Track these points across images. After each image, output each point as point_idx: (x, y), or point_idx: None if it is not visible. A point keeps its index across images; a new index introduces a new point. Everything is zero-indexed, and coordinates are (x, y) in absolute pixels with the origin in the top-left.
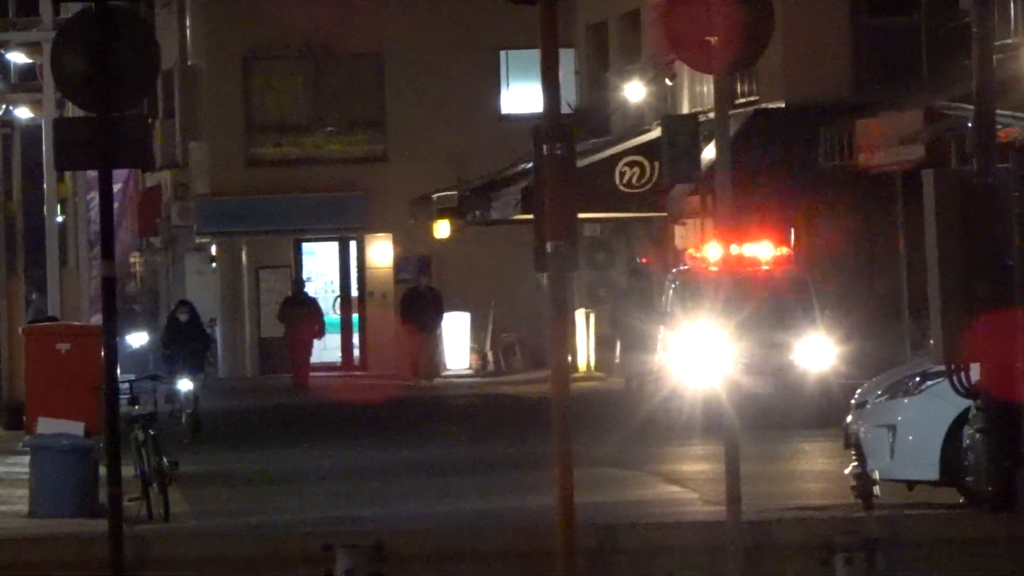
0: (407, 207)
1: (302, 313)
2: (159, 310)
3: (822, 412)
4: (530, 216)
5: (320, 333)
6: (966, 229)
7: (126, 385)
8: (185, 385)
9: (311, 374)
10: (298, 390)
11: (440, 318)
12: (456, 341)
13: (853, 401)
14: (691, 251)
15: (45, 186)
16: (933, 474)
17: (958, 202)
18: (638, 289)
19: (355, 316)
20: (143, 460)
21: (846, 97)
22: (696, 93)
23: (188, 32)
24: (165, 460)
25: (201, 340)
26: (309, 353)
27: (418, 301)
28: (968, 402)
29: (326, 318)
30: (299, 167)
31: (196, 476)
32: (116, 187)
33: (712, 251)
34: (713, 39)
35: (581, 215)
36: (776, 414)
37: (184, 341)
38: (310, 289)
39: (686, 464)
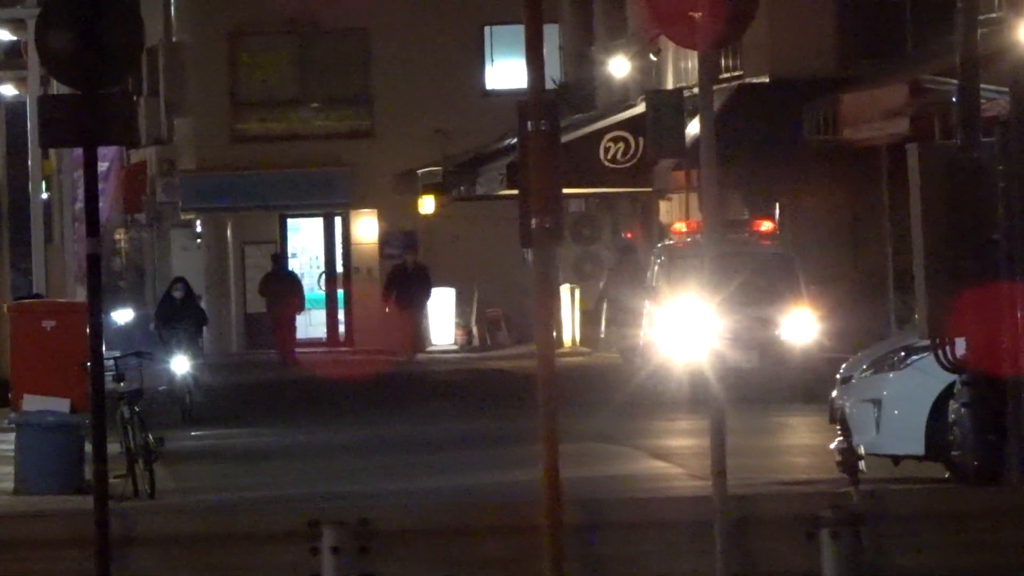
0: (392, 182)
1: (283, 288)
2: (144, 287)
3: (807, 386)
4: (515, 192)
5: (301, 307)
6: (951, 204)
7: (111, 362)
8: (181, 366)
9: (296, 349)
10: (284, 366)
11: (428, 295)
12: (441, 317)
13: (838, 375)
14: (676, 225)
15: (30, 163)
16: (918, 449)
17: (943, 176)
18: (630, 263)
19: (340, 292)
20: (129, 437)
21: (831, 71)
22: (680, 68)
23: (172, 8)
24: (151, 437)
25: (197, 318)
26: (293, 328)
27: (405, 278)
28: (953, 377)
29: (311, 293)
30: (284, 143)
31: (182, 453)
32: (104, 165)
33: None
34: (697, 14)
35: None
36: (761, 388)
37: (179, 319)
38: (295, 265)
39: (672, 439)
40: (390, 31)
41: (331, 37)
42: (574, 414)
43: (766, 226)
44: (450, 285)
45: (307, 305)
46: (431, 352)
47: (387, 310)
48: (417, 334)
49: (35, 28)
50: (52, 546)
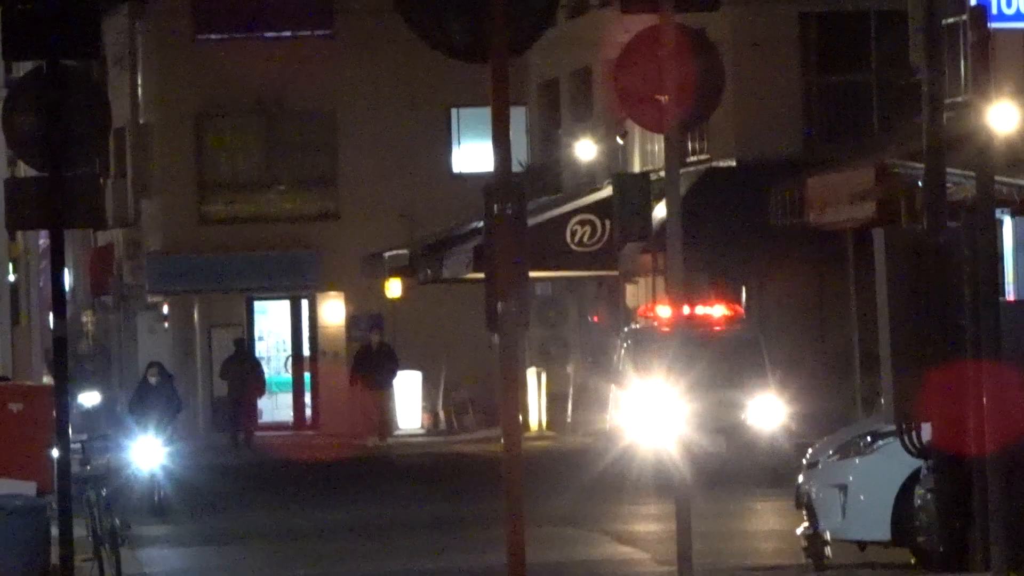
0: (359, 265)
1: (243, 371)
2: (111, 369)
3: (773, 471)
4: (481, 275)
5: (261, 391)
6: (916, 288)
7: (78, 445)
8: (151, 454)
9: (258, 432)
10: (247, 449)
11: (394, 374)
12: (408, 400)
13: (804, 460)
14: (659, 310)
15: None
16: (885, 534)
17: (908, 260)
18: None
19: (307, 375)
20: (95, 520)
21: (797, 155)
22: (647, 151)
23: (140, 90)
24: (117, 521)
25: (171, 404)
26: (254, 410)
27: (370, 358)
28: (919, 462)
29: (278, 377)
30: (251, 225)
31: (148, 537)
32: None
33: (663, 310)
34: (663, 98)
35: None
36: (728, 473)
37: (153, 405)
38: (262, 348)
39: (638, 523)
40: (357, 113)
41: (298, 119)
42: (540, 498)
43: (732, 309)
44: (417, 368)
45: (274, 388)
46: (398, 435)
47: (355, 389)
48: (386, 417)
49: (2, 109)
50: None
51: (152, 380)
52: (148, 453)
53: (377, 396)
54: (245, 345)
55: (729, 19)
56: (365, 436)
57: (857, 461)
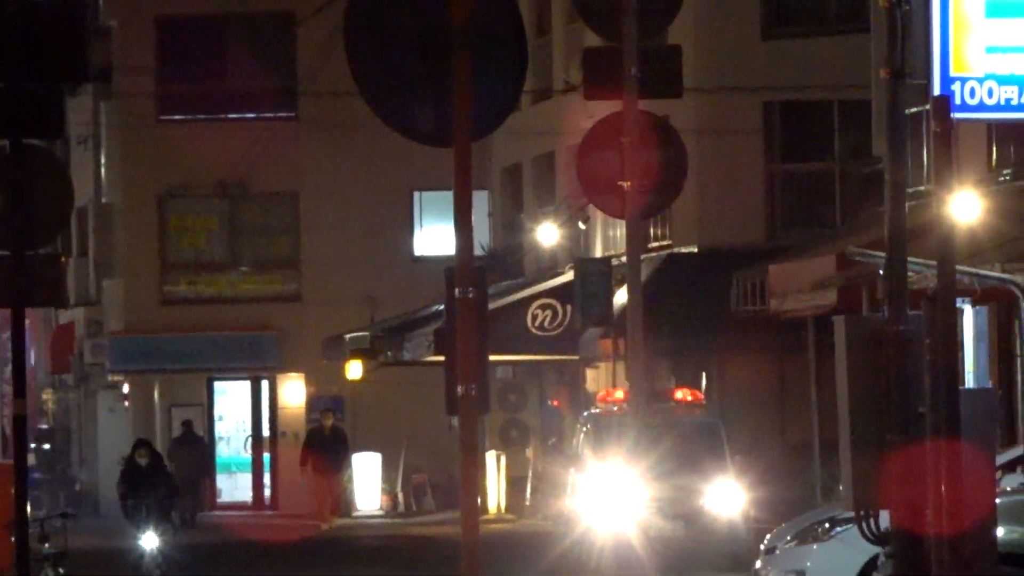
0: (320, 347)
1: (191, 452)
2: (71, 447)
3: (732, 556)
4: (442, 358)
5: (208, 471)
6: (877, 376)
7: (37, 523)
8: (150, 542)
9: (217, 512)
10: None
11: (346, 457)
12: (367, 481)
13: (763, 546)
14: (614, 394)
15: None
16: None
17: (869, 349)
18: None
19: (266, 455)
20: None
21: (759, 242)
22: (609, 236)
23: (103, 169)
24: None
25: (166, 486)
26: (201, 491)
27: (322, 440)
28: (877, 548)
29: (238, 457)
30: (213, 306)
31: None
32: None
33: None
34: (626, 184)
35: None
36: (686, 557)
37: (148, 488)
38: (221, 428)
39: None
40: (320, 195)
41: (261, 200)
42: None
43: (693, 395)
44: (376, 450)
45: (233, 468)
46: (356, 517)
47: (306, 471)
48: (337, 498)
49: None
50: None
51: (141, 461)
52: (148, 540)
53: (328, 478)
54: (192, 426)
55: (692, 107)
56: (319, 520)
57: (815, 547)
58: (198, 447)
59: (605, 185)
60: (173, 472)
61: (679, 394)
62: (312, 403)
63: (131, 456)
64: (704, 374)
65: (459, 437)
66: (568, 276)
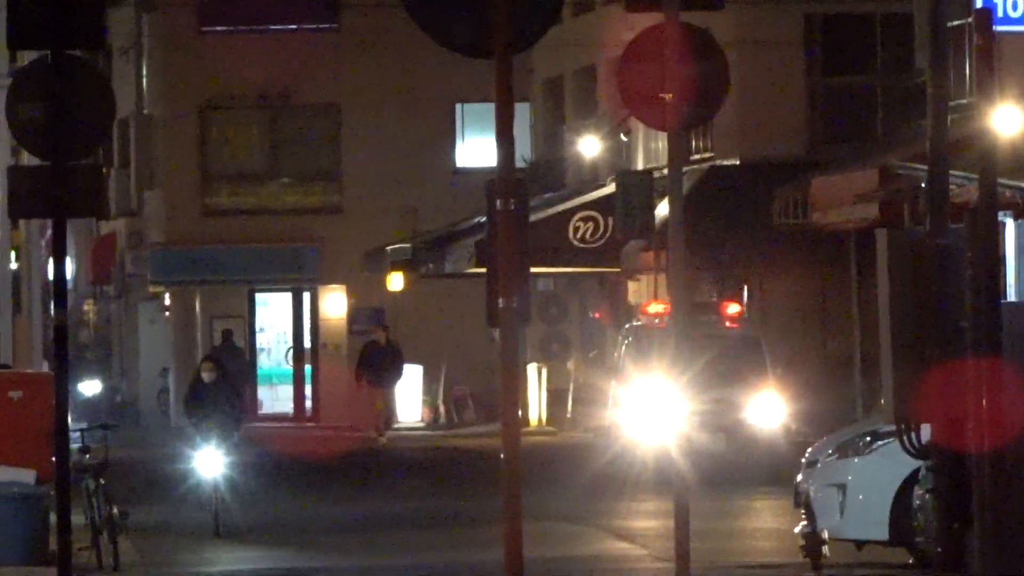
0: (361, 259)
1: (229, 362)
2: (111, 359)
3: (773, 470)
4: (483, 270)
5: (248, 381)
6: (918, 290)
7: (77, 434)
8: (211, 466)
9: (257, 424)
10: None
11: (400, 374)
12: (408, 394)
13: (804, 459)
14: (652, 307)
15: None
16: (882, 534)
17: (911, 262)
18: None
19: (308, 367)
20: (93, 509)
21: (801, 155)
22: (651, 149)
23: (144, 81)
24: (115, 509)
25: (231, 407)
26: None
27: (378, 355)
28: (918, 462)
29: (279, 369)
30: (254, 217)
31: (146, 526)
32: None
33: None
34: (667, 96)
35: (534, 270)
36: (727, 471)
37: (212, 407)
38: (263, 339)
39: (636, 520)
40: (361, 107)
41: (302, 112)
42: (539, 494)
43: (734, 308)
44: (417, 362)
45: (274, 380)
46: (397, 429)
47: (362, 385)
48: (387, 414)
49: (6, 99)
50: None
51: (206, 377)
52: (211, 463)
53: (381, 394)
54: (231, 336)
55: (734, 19)
56: (364, 429)
57: (856, 461)
58: (238, 357)
59: (646, 97)
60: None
61: (730, 308)
62: (353, 315)
63: (197, 372)
64: (745, 287)
65: (500, 349)
66: (610, 188)
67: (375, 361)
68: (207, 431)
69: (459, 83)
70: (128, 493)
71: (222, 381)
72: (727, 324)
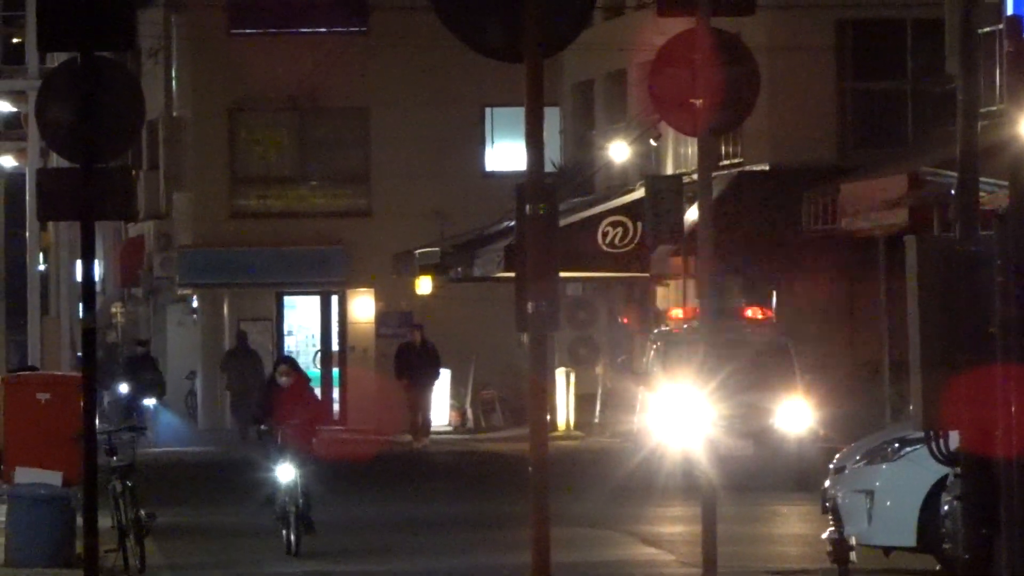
0: (390, 262)
1: (244, 364)
2: None
3: (800, 475)
4: (512, 274)
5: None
6: (948, 296)
7: (105, 436)
8: (287, 475)
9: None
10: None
11: (437, 374)
12: (436, 397)
13: (831, 465)
14: (673, 312)
15: (28, 235)
16: (910, 540)
17: (940, 269)
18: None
19: (336, 370)
20: (120, 511)
21: (831, 160)
22: (680, 154)
23: (174, 83)
24: (142, 512)
25: (311, 412)
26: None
27: (413, 356)
28: (946, 469)
29: (307, 371)
30: (282, 220)
31: (173, 528)
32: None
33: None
34: (697, 101)
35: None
36: (755, 476)
37: (287, 412)
38: (291, 342)
39: (664, 525)
40: (390, 110)
41: (331, 115)
42: (566, 498)
43: (762, 313)
44: (445, 366)
45: None
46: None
47: (395, 386)
48: (427, 418)
49: (36, 100)
50: None
51: (283, 381)
52: (284, 473)
53: (417, 396)
54: (246, 338)
55: (765, 24)
56: (396, 432)
57: (884, 467)
58: (252, 360)
59: (677, 102)
60: (228, 384)
61: (749, 312)
62: (381, 318)
63: (272, 375)
64: (774, 292)
65: (528, 354)
66: (639, 193)
67: (411, 362)
68: (282, 440)
69: (488, 86)
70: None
71: (302, 384)
72: (755, 329)
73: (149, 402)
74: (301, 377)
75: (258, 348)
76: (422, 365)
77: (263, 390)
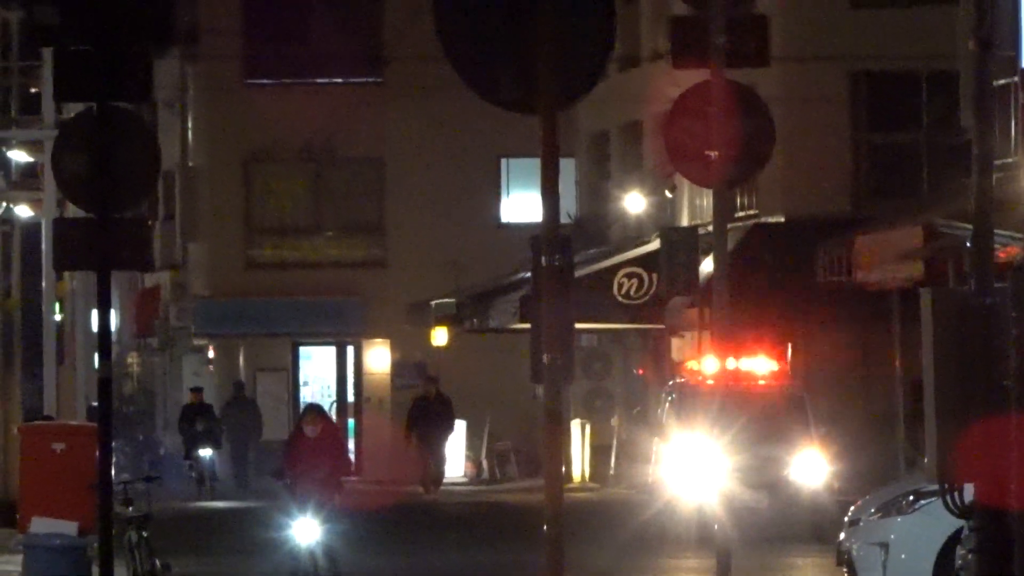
0: (405, 313)
1: (241, 415)
2: (155, 411)
3: (815, 527)
4: (527, 325)
5: (259, 435)
6: (962, 348)
7: (120, 486)
8: (308, 533)
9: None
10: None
11: (451, 428)
12: (452, 448)
13: (846, 518)
14: (688, 363)
15: (44, 284)
16: None
17: (955, 321)
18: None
19: (351, 421)
20: (136, 561)
21: (845, 212)
22: (696, 205)
23: (190, 133)
24: (157, 562)
25: (333, 464)
26: (245, 456)
27: (427, 409)
28: (961, 522)
29: None
30: (298, 270)
31: None
32: None
33: (708, 364)
34: (713, 153)
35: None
36: (769, 528)
37: (314, 465)
38: (307, 392)
39: None
40: (406, 161)
41: (347, 165)
42: (582, 549)
43: (777, 365)
44: (460, 417)
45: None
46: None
47: (411, 440)
48: (440, 469)
49: (52, 150)
50: None
51: (310, 431)
52: (305, 530)
53: (432, 450)
54: (243, 389)
55: (780, 76)
56: (410, 483)
57: (899, 520)
58: (249, 410)
59: (692, 154)
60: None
61: (772, 364)
62: (397, 369)
63: (298, 425)
64: (789, 344)
65: (544, 405)
66: (654, 245)
67: (425, 416)
68: (304, 494)
69: (504, 137)
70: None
71: (329, 434)
72: (770, 381)
73: (205, 453)
74: (329, 426)
75: (274, 398)
76: (437, 418)
77: (287, 441)
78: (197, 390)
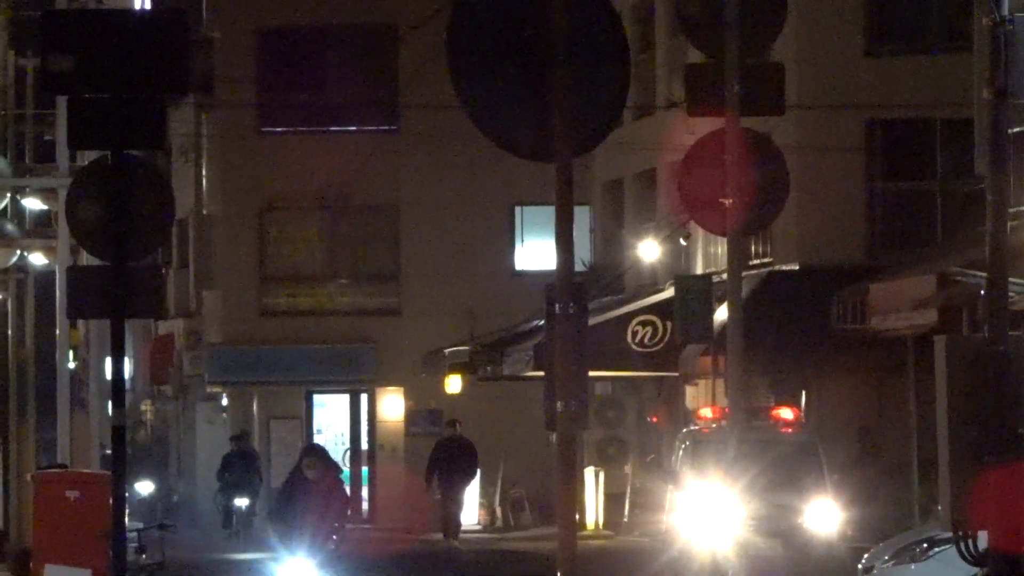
0: (419, 361)
1: (241, 466)
2: (169, 459)
3: (829, 575)
4: (541, 373)
5: (256, 488)
6: (976, 396)
7: (134, 534)
8: (297, 571)
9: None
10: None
11: (474, 473)
12: (465, 496)
13: (860, 565)
14: (702, 411)
15: (57, 332)
16: None
17: (969, 369)
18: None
19: (365, 469)
20: None
21: (860, 260)
22: (710, 253)
23: (204, 181)
24: None
25: (336, 506)
26: (251, 506)
27: (450, 454)
28: (975, 569)
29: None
30: (312, 318)
31: None
32: None
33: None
34: (727, 201)
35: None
36: None
37: (310, 506)
38: (320, 440)
39: None
40: (420, 209)
41: (361, 213)
42: None
43: (791, 413)
44: None
45: None
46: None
47: (432, 487)
48: (458, 516)
49: (66, 198)
50: None
51: (309, 474)
52: (300, 571)
53: (454, 496)
54: (243, 440)
55: (794, 124)
56: (426, 531)
57: (913, 567)
58: (250, 462)
59: (706, 202)
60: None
61: (778, 412)
62: (411, 417)
63: (296, 466)
64: (803, 392)
65: (557, 453)
66: (669, 292)
67: (448, 460)
68: (299, 538)
69: (518, 185)
70: None
71: (326, 479)
72: (784, 429)
73: (240, 502)
74: (331, 469)
75: (288, 446)
76: (459, 462)
77: (285, 481)
78: (235, 438)
